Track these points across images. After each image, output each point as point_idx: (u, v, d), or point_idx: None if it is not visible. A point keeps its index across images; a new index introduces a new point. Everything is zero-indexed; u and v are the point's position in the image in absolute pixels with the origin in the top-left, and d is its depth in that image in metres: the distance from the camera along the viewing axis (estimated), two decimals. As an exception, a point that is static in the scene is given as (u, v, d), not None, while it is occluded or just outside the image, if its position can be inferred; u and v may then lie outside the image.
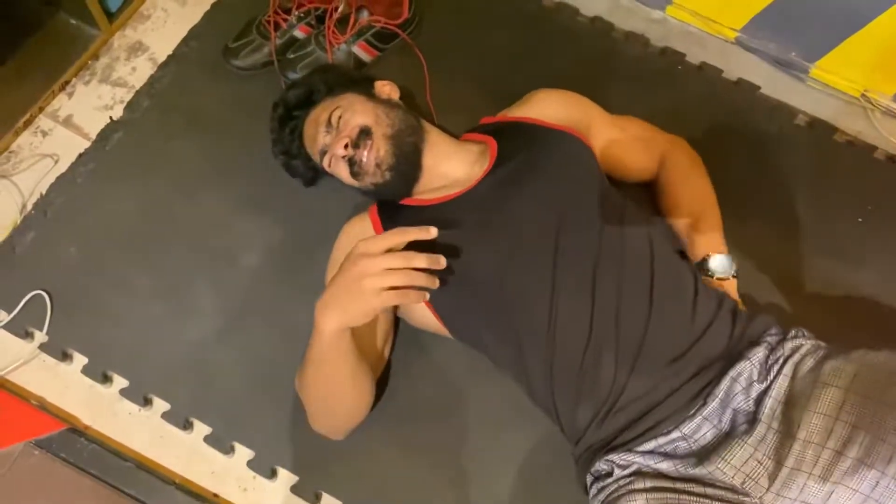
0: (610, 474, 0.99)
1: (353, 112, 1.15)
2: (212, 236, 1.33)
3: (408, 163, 1.14)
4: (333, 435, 1.14)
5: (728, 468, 0.92)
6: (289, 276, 1.30)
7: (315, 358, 1.00)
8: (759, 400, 0.96)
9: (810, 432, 0.89)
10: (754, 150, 1.43)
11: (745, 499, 0.90)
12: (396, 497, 1.17)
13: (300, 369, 1.07)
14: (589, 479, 1.04)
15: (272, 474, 1.19)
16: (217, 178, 1.38)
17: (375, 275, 0.90)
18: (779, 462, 0.90)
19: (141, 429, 1.21)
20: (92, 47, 1.51)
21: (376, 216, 1.17)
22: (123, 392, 1.22)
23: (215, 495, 1.18)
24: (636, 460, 0.97)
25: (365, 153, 1.13)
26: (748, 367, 0.97)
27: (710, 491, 0.91)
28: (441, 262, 0.92)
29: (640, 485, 0.94)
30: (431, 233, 0.93)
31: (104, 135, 1.42)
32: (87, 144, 1.42)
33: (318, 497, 1.17)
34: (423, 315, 1.15)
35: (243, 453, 1.20)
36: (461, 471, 1.18)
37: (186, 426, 1.20)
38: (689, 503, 0.90)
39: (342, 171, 1.16)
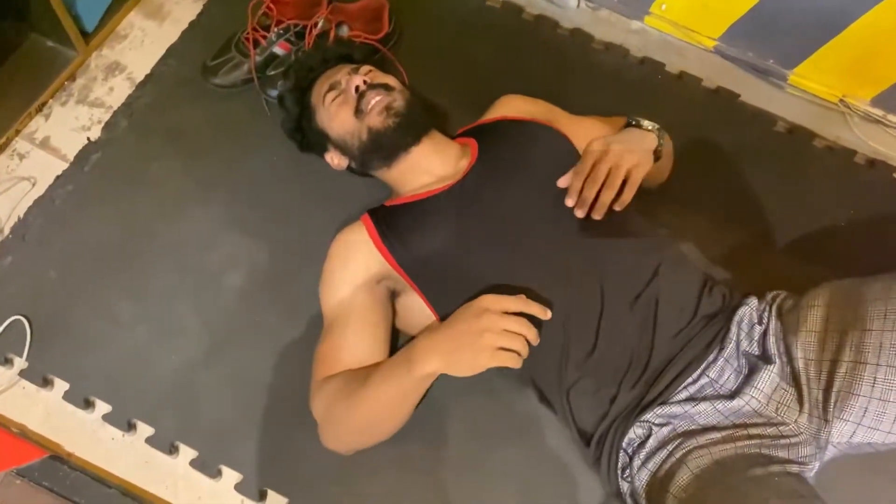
0: (647, 439, 1.00)
1: (383, 74, 1.20)
2: (194, 257, 1.31)
3: (415, 121, 1.17)
4: (350, 450, 1.10)
5: (761, 396, 0.99)
6: (274, 296, 1.29)
7: (392, 392, 0.97)
8: (762, 341, 1.04)
9: (806, 350, 0.99)
10: (735, 157, 1.44)
11: (784, 428, 0.97)
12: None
13: (346, 391, 1.02)
14: (623, 459, 1.03)
15: (261, 497, 1.17)
16: (198, 198, 1.37)
17: (497, 333, 0.88)
18: (798, 385, 0.99)
19: (125, 455, 1.19)
20: (68, 68, 1.49)
21: (370, 222, 1.15)
22: (106, 417, 1.20)
23: (204, 520, 1.16)
24: (673, 410, 1.00)
25: (378, 97, 1.15)
26: (747, 312, 1.05)
27: (753, 431, 0.97)
28: (546, 314, 0.93)
29: (694, 442, 0.97)
30: (548, 315, 0.93)
31: (82, 156, 1.41)
32: (65, 166, 1.40)
33: (307, 519, 1.16)
34: (425, 320, 1.15)
35: (231, 477, 1.18)
36: (455, 485, 1.17)
37: (172, 451, 1.18)
38: (747, 446, 0.95)
39: (344, 111, 1.16)
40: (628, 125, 1.18)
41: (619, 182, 1.03)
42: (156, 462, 1.18)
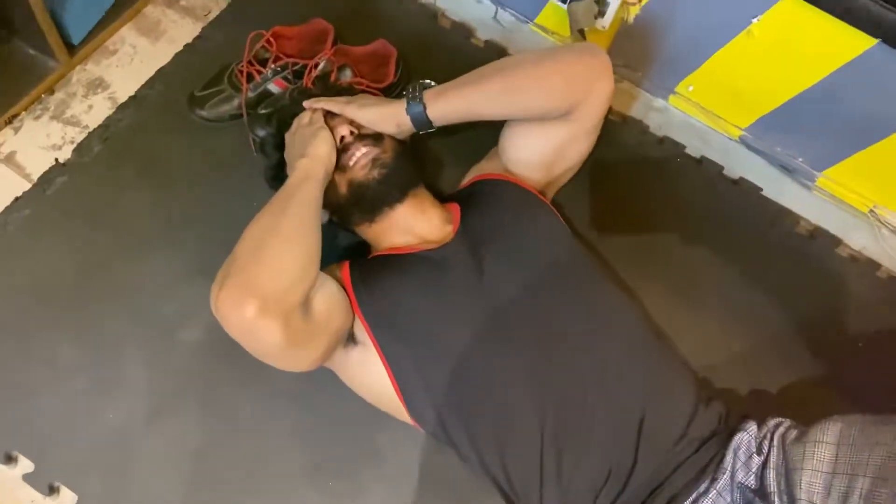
0: None
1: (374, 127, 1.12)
2: (150, 304, 1.20)
3: (401, 175, 1.09)
4: (259, 297, 0.85)
5: None
6: (232, 358, 1.15)
7: (288, 205, 0.95)
8: (761, 473, 0.93)
9: (811, 492, 0.87)
10: (752, 254, 1.34)
11: None
12: None
13: (252, 224, 0.94)
14: None
15: (187, 588, 1.04)
16: (165, 238, 1.26)
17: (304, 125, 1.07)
18: None
19: (42, 522, 1.07)
20: (47, 80, 1.39)
21: (347, 267, 1.06)
22: (27, 477, 1.08)
23: None
24: None
25: (365, 149, 1.08)
26: (746, 438, 0.95)
27: None
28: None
29: None
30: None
31: (46, 178, 1.30)
32: (27, 187, 1.29)
33: None
34: (381, 387, 1.03)
35: (158, 560, 1.05)
36: None
37: (94, 524, 1.06)
38: None
39: (326, 140, 1.07)
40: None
41: None
42: (75, 535, 1.06)
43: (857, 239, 1.37)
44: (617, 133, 1.45)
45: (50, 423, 1.11)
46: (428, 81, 1.11)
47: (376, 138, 1.09)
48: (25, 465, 1.09)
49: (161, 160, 1.33)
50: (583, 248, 1.16)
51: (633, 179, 1.40)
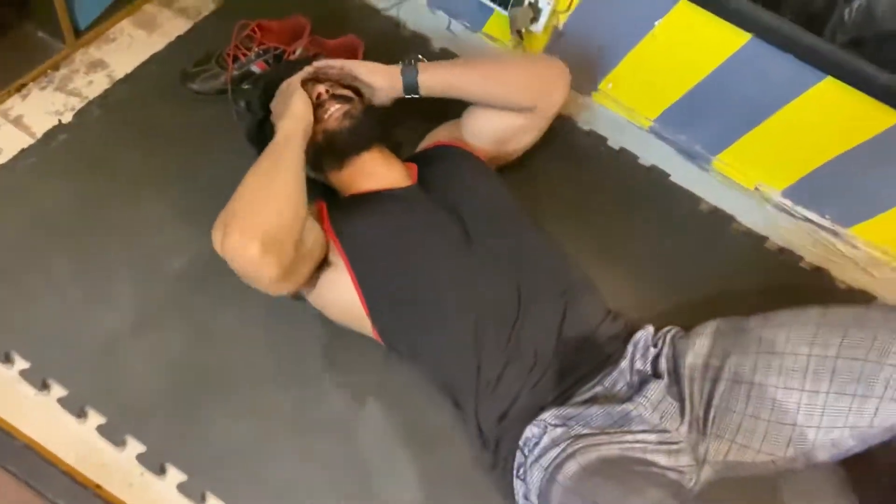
0: (542, 437, 1.06)
1: (344, 88, 1.31)
2: (142, 237, 1.37)
3: (369, 127, 1.28)
4: (257, 237, 1.01)
5: (648, 404, 1.07)
6: (211, 285, 1.33)
7: (266, 162, 1.12)
8: (655, 362, 1.16)
9: (692, 370, 1.11)
10: (661, 230, 1.56)
11: (666, 435, 1.05)
12: (285, 496, 1.17)
13: (247, 178, 1.11)
14: (519, 458, 1.09)
15: (161, 470, 1.17)
16: (155, 187, 1.44)
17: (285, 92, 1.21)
18: (681, 400, 1.09)
19: (35, 413, 1.19)
20: (54, 58, 1.58)
21: (323, 203, 1.27)
22: (23, 373, 1.21)
23: (98, 486, 1.15)
24: (568, 412, 1.08)
25: (338, 105, 1.26)
26: (644, 335, 1.18)
27: (639, 436, 1.04)
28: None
29: (584, 441, 1.03)
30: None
31: (50, 135, 1.47)
32: (32, 142, 1.46)
33: (203, 498, 1.16)
34: (342, 299, 1.20)
35: (134, 447, 1.18)
36: (361, 486, 1.19)
37: (80, 414, 1.19)
38: (631, 448, 1.02)
39: (301, 98, 1.23)
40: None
41: None
42: (63, 423, 1.19)
43: (748, 216, 1.61)
44: (553, 127, 1.69)
45: (44, 327, 1.25)
46: (420, 56, 1.32)
47: (348, 99, 1.29)
48: (21, 363, 1.22)
49: (153, 125, 1.52)
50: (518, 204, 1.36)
51: (565, 167, 1.62)
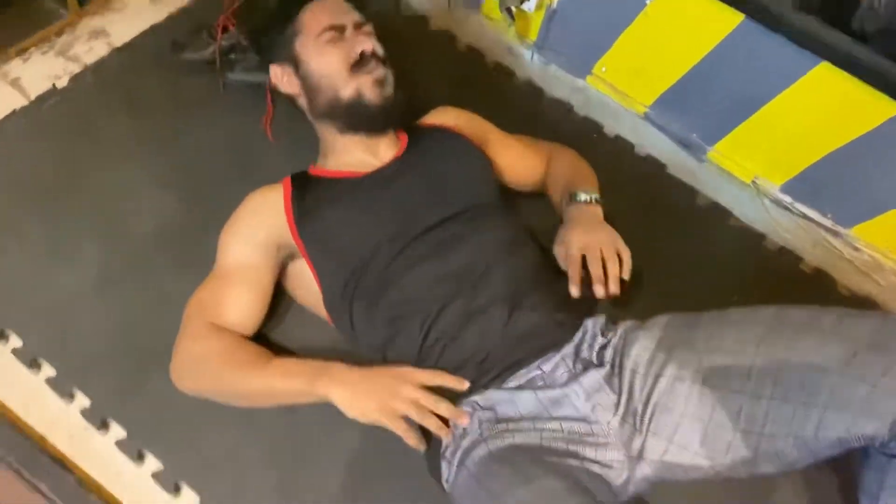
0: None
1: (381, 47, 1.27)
2: (113, 201, 1.39)
3: (395, 114, 1.26)
4: (193, 394, 1.16)
5: (582, 392, 1.02)
6: (175, 251, 1.34)
7: (283, 388, 1.08)
8: (601, 352, 1.09)
9: (636, 363, 1.04)
10: (657, 223, 1.49)
11: (596, 426, 1.01)
12: (222, 464, 1.17)
13: (234, 360, 1.11)
14: (445, 441, 1.05)
15: (103, 426, 1.18)
16: (135, 153, 1.45)
17: (404, 402, 1.00)
18: (619, 393, 1.03)
19: (-12, 361, 1.22)
20: (57, 24, 1.63)
21: (289, 188, 1.20)
22: (-21, 324, 1.25)
23: (43, 438, 1.18)
24: (499, 395, 1.03)
25: (381, 69, 1.23)
26: (593, 324, 1.11)
27: (565, 425, 1.00)
28: (463, 419, 1.01)
29: (504, 426, 1.00)
30: (464, 385, 1.04)
31: (43, 97, 1.51)
32: (25, 103, 1.50)
33: (141, 455, 1.17)
34: (309, 290, 1.20)
35: (81, 400, 1.20)
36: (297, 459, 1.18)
37: (32, 365, 1.22)
38: (553, 438, 0.98)
39: (336, 55, 1.20)
40: (570, 201, 1.28)
41: (616, 264, 1.17)
42: (14, 374, 1.22)
43: (746, 211, 1.53)
44: (547, 113, 1.64)
45: (7, 280, 1.28)
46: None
47: (386, 63, 1.25)
48: (-19, 314, 1.26)
49: (143, 94, 1.54)
50: (502, 196, 1.31)
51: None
